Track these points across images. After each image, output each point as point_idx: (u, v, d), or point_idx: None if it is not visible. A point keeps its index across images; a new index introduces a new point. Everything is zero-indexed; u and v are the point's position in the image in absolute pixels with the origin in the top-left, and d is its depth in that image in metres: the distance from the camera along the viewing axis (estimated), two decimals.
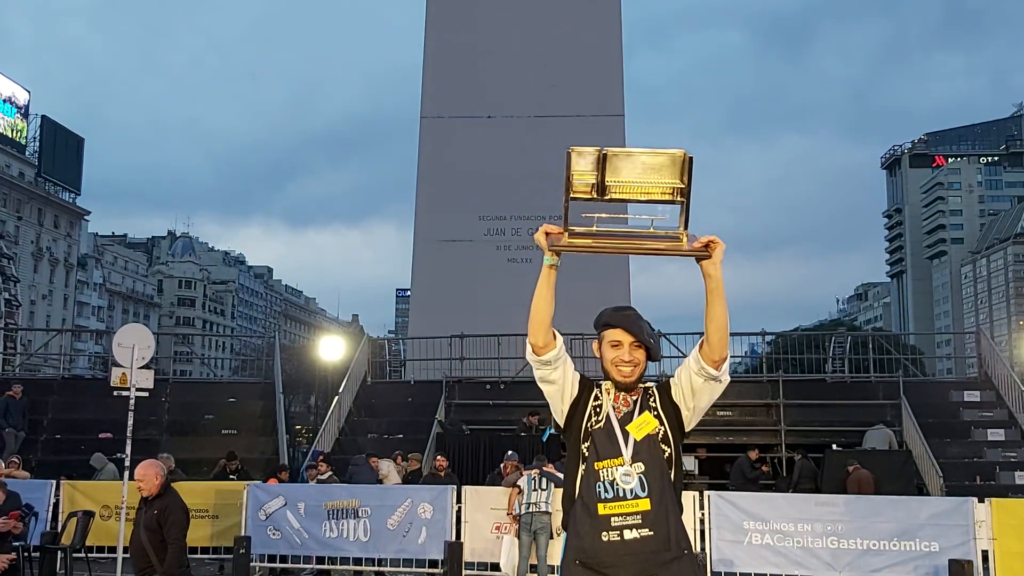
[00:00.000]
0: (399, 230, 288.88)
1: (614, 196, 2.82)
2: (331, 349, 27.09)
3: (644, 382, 3.23)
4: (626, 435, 3.13)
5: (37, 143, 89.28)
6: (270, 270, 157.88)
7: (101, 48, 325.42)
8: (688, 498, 11.64)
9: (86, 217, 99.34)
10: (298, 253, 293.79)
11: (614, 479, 3.08)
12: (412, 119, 28.70)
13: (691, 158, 2.73)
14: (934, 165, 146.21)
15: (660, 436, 3.14)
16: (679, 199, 2.78)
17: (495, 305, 22.94)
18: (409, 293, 30.95)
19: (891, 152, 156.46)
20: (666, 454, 3.14)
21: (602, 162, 2.75)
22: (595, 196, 2.82)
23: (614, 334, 3.17)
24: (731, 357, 3.20)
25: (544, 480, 12.39)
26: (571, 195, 2.83)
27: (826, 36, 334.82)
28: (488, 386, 20.90)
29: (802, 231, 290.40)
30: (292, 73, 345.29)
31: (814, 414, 19.57)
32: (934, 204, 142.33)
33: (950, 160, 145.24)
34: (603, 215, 2.91)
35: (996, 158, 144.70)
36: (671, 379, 3.25)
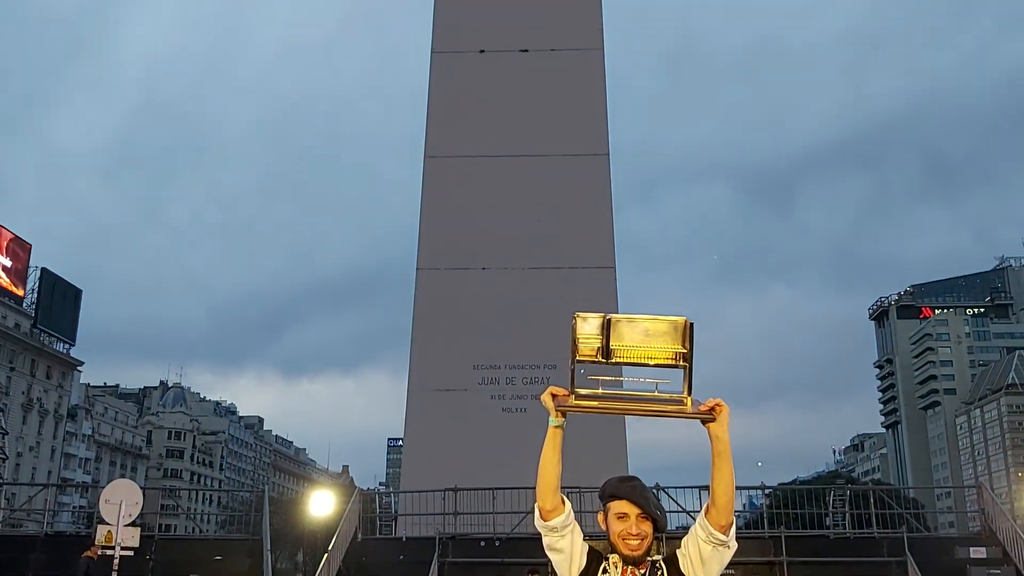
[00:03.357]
0: (393, 378, 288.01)
1: (618, 360, 2.90)
2: (321, 504, 26.55)
3: (651, 555, 3.17)
4: None
5: (35, 294, 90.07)
6: (261, 420, 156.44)
7: (104, 202, 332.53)
8: None
9: (79, 368, 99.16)
10: (290, 402, 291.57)
11: None
12: (408, 270, 29.15)
13: (691, 324, 2.84)
14: (921, 316, 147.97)
15: None
16: (682, 364, 2.87)
17: (489, 456, 22.70)
18: (401, 443, 30.61)
19: (878, 303, 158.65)
20: None
21: (606, 327, 2.86)
22: (600, 359, 2.90)
23: (620, 506, 3.13)
24: None
25: None
26: (577, 358, 2.92)
27: (810, 191, 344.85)
28: (483, 543, 20.41)
29: (795, 380, 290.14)
30: (292, 226, 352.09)
31: (818, 572, 19.12)
32: (924, 355, 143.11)
33: (937, 311, 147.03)
34: (608, 377, 2.98)
35: (982, 310, 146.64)
36: (677, 551, 3.20)
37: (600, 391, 2.97)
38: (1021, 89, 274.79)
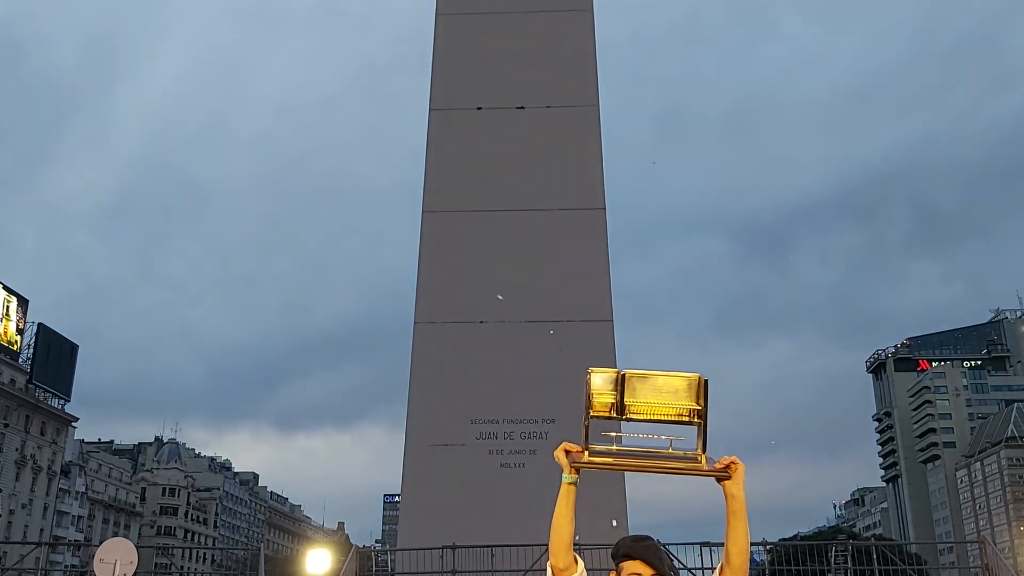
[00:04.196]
0: (389, 433, 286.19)
1: (632, 416, 2.91)
2: (317, 562, 26.16)
3: None
4: None
5: (31, 350, 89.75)
6: (256, 476, 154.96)
7: (102, 257, 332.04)
8: None
9: (73, 424, 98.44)
10: (286, 458, 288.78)
11: None
12: (406, 324, 29.03)
13: (706, 381, 2.86)
14: (919, 369, 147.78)
15: None
16: (696, 420, 2.88)
17: (488, 513, 22.45)
18: (397, 499, 30.29)
19: (875, 356, 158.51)
20: None
21: (620, 383, 2.88)
22: (614, 415, 2.91)
23: (633, 566, 3.11)
24: None
25: None
26: (591, 414, 2.92)
27: (805, 244, 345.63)
28: None
29: (793, 434, 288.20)
30: (289, 279, 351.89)
31: None
32: (922, 408, 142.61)
33: (934, 364, 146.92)
34: (621, 433, 2.99)
35: (979, 362, 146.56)
36: None
37: (614, 448, 2.97)
38: (1010, 144, 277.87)
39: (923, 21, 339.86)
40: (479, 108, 31.47)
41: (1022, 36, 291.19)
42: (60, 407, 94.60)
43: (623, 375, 2.88)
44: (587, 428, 2.95)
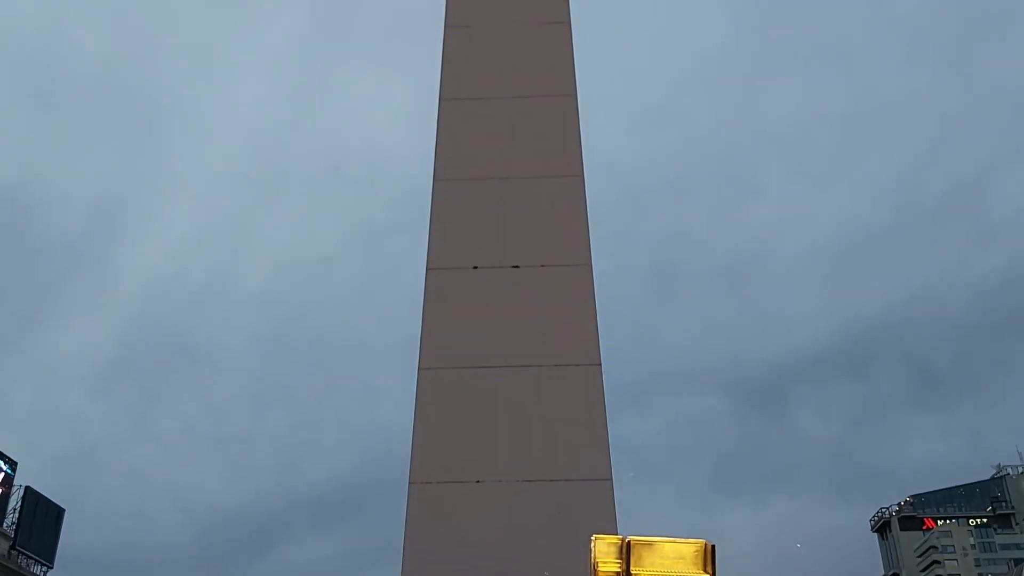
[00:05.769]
0: None
1: None
2: None
3: None
4: None
5: (16, 515, 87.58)
6: None
7: (95, 417, 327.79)
8: None
9: None
10: None
11: None
12: (400, 483, 28.59)
13: (713, 547, 2.80)
14: (924, 528, 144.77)
15: None
16: None
17: None
18: None
19: (879, 515, 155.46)
20: None
21: (626, 550, 2.81)
22: None
23: None
24: None
25: None
26: None
27: (802, 400, 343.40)
28: None
29: None
30: (282, 436, 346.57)
31: None
32: (931, 568, 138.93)
33: (939, 523, 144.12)
34: None
35: (985, 520, 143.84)
36: None
37: None
38: (999, 297, 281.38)
39: (907, 176, 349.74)
40: (475, 267, 32.17)
41: (1005, 189, 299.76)
42: (43, 574, 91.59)
43: (628, 542, 2.81)
44: None
